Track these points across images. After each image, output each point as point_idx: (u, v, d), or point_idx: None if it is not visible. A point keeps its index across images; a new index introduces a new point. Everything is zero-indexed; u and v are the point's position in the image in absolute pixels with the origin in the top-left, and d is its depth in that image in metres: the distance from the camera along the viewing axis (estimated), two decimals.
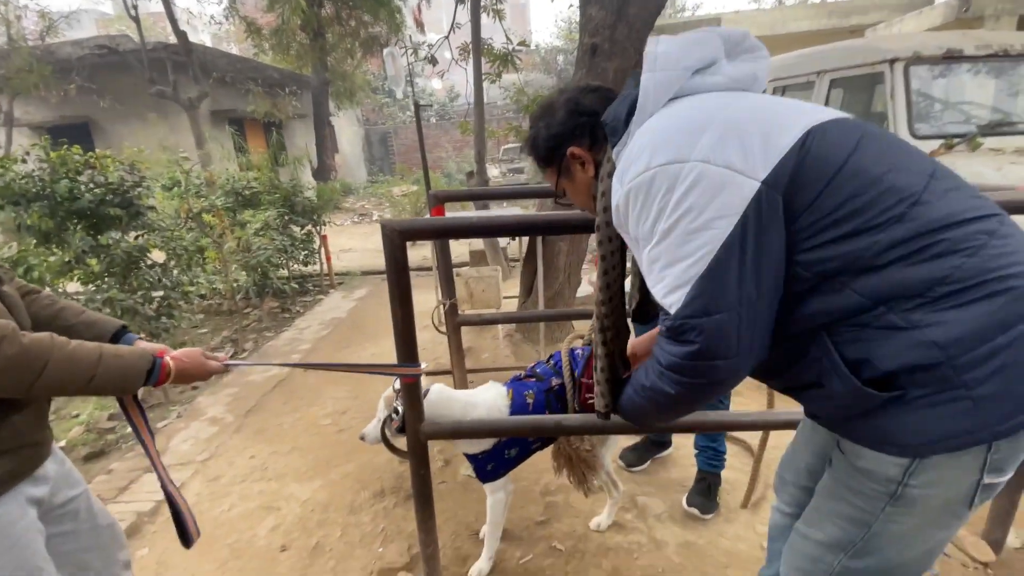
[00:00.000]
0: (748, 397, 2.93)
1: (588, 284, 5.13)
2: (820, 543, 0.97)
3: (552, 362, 1.81)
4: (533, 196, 2.67)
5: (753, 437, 2.57)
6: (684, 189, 0.78)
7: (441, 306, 2.59)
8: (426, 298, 4.46)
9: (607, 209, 0.98)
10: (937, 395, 0.76)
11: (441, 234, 1.49)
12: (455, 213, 5.37)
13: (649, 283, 0.85)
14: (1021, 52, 3.36)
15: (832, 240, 0.78)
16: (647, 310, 1.13)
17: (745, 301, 0.76)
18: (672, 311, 0.80)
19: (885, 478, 0.86)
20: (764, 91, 0.95)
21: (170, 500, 1.28)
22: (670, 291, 0.80)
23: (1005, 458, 0.80)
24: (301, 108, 14.85)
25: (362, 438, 1.75)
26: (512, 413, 1.67)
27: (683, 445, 2.54)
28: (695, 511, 2.10)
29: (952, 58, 3.33)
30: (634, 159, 0.85)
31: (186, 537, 1.30)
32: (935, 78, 3.39)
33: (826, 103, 3.89)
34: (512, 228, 1.48)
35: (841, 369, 0.81)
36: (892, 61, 3.36)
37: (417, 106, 4.17)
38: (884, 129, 0.85)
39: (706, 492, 2.14)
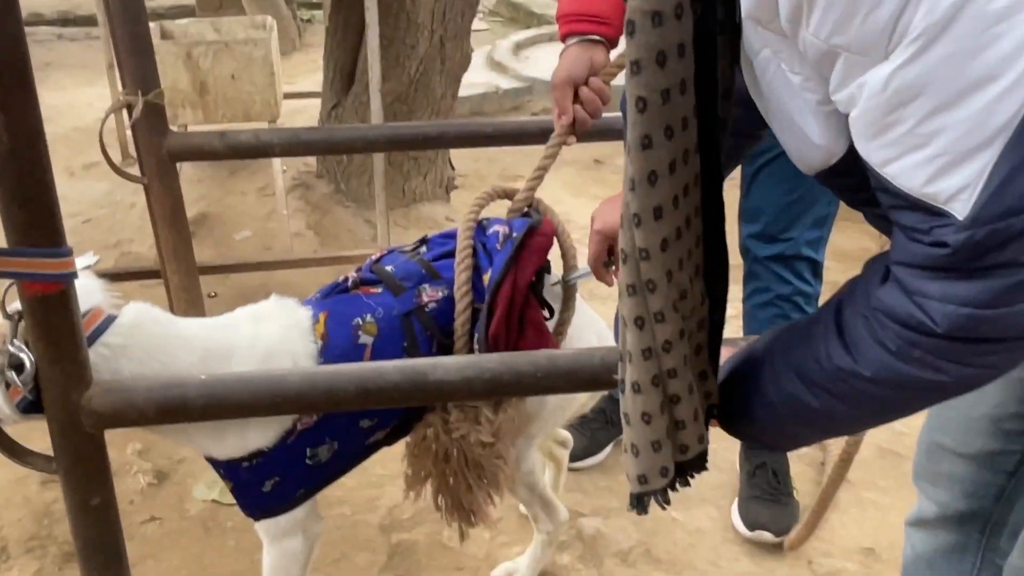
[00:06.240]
0: None
1: (494, 72, 3.32)
2: None
3: (425, 249, 1.12)
4: None
5: None
6: None
7: (124, 109, 1.45)
8: (88, 95, 2.98)
9: None
10: None
11: None
12: None
13: (879, 156, 0.52)
14: None
15: None
16: None
17: None
18: (958, 208, 0.49)
19: None
20: None
21: None
22: (950, 165, 0.49)
23: None
24: None
25: None
26: (329, 363, 1.03)
27: None
28: (765, 535, 1.34)
29: None
30: None
31: None
32: None
33: None
34: None
35: None
36: None
37: None
38: None
39: (773, 492, 1.36)
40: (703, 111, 0.60)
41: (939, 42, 0.47)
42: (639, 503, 0.74)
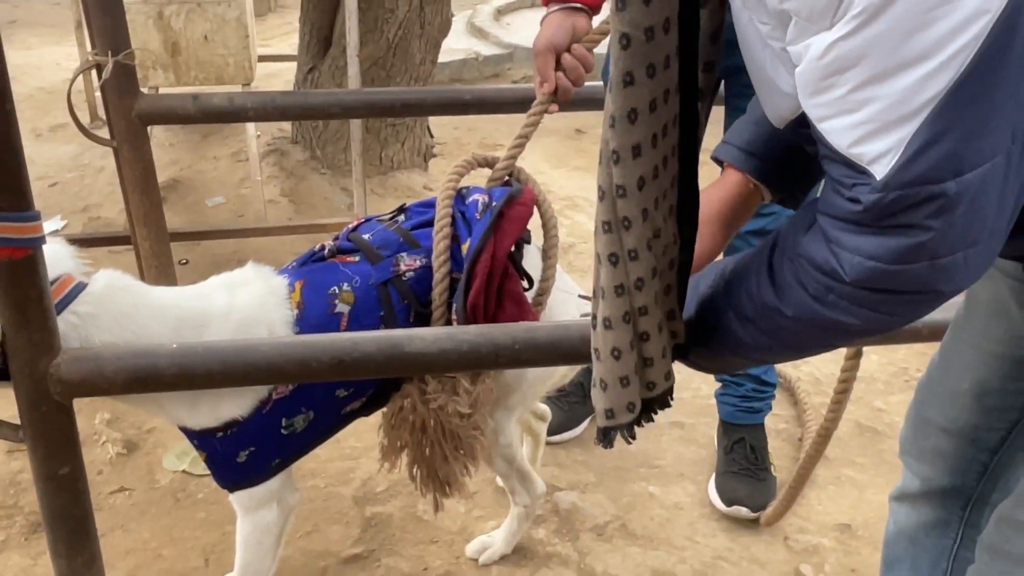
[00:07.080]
0: None
1: (477, 39, 3.22)
2: None
3: (403, 217, 1.07)
4: None
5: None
6: None
7: (93, 70, 1.38)
8: (56, 54, 2.86)
9: None
10: None
11: None
12: None
13: (815, 112, 0.54)
14: None
15: None
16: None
17: (1020, 138, 0.52)
18: (877, 170, 0.51)
19: None
20: None
21: None
22: (875, 132, 0.50)
23: None
24: None
25: None
26: (305, 332, 0.97)
27: None
28: (742, 511, 1.31)
29: None
30: None
31: None
32: None
33: None
34: None
35: None
36: None
37: None
38: None
39: (750, 468, 1.32)
40: (684, 52, 0.60)
41: (879, 19, 0.48)
42: (605, 437, 0.74)
